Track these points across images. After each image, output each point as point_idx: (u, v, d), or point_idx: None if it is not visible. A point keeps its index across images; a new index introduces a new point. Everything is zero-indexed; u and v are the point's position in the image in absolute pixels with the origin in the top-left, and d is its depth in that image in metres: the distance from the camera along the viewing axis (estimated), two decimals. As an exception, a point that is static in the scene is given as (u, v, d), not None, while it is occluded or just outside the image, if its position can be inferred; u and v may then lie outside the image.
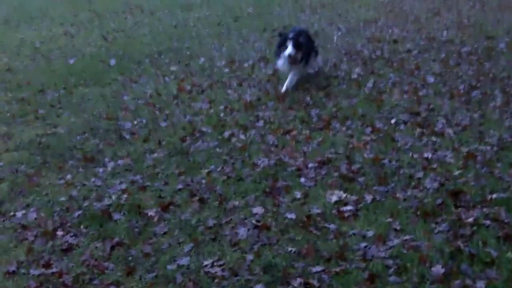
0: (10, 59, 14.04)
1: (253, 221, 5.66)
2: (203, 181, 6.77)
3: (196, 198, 6.32)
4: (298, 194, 6.10)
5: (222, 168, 6.99)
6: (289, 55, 9.03)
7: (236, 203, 6.10)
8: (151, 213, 6.04)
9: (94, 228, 5.83)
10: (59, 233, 5.77)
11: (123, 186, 6.72)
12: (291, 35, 9.31)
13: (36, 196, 6.63)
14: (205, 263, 5.03)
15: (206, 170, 7.03)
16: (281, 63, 9.45)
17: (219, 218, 5.85)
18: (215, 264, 5.01)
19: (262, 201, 6.07)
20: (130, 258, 5.24)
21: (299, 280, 4.61)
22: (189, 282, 4.75)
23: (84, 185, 6.84)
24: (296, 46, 9.10)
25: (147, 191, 6.60)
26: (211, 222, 5.75)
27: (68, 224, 5.95)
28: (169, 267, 5.03)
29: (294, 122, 8.20)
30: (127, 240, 5.54)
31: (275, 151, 7.30)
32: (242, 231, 5.51)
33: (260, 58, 11.45)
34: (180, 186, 6.69)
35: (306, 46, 9.39)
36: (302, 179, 6.45)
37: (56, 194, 6.64)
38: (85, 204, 6.33)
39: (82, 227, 5.88)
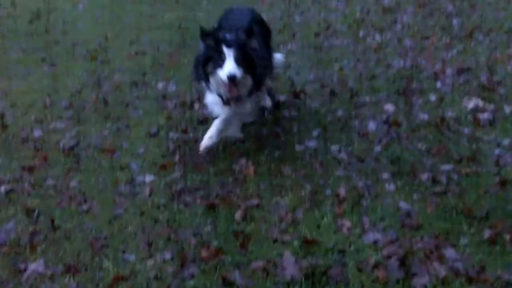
0: None
1: (384, 117, 5.64)
2: (335, 75, 6.81)
3: (327, 90, 6.38)
4: (433, 97, 5.97)
5: (355, 65, 6.95)
6: (230, 78, 4.41)
7: (367, 99, 6.08)
8: (282, 98, 6.19)
9: (227, 107, 6.07)
10: (196, 105, 6.08)
11: (258, 71, 6.87)
12: (231, 37, 4.60)
13: (176, 71, 6.97)
14: (333, 148, 5.12)
15: (338, 66, 7.04)
16: (212, 98, 4.93)
17: (349, 110, 5.88)
18: (342, 150, 5.09)
19: (394, 100, 6.01)
20: (261, 135, 5.45)
21: (427, 174, 4.59)
22: (316, 163, 4.88)
23: (220, 66, 7.07)
24: (243, 60, 4.52)
25: (279, 79, 6.72)
26: (340, 113, 5.80)
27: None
28: (297, 147, 5.18)
29: (434, 29, 7.95)
30: (258, 120, 5.73)
31: (412, 54, 7.14)
32: (372, 125, 5.51)
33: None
34: (311, 77, 6.78)
35: (263, 57, 4.89)
36: (439, 84, 6.29)
37: (193, 73, 6.94)
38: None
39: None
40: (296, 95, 6.27)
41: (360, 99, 6.10)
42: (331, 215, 4.10)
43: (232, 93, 4.55)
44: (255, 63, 4.61)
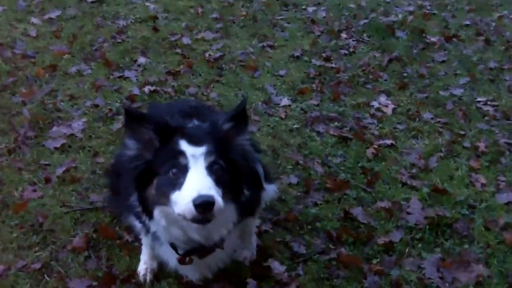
0: None
1: (540, 75, 5.27)
2: (493, 23, 6.44)
3: (482, 37, 6.06)
4: None
5: (517, 15, 6.48)
6: (202, 205, 2.14)
7: (525, 53, 5.70)
8: (433, 39, 5.94)
9: (376, 39, 5.93)
10: (343, 35, 5.99)
11: (411, 8, 6.66)
12: (197, 125, 2.56)
13: (328, -3, 6.85)
14: (479, 99, 4.89)
15: (498, 14, 6.62)
16: (161, 249, 2.71)
17: (502, 62, 5.56)
18: (488, 103, 4.85)
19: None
20: (404, 75, 5.29)
21: None
22: (459, 112, 4.69)
23: (375, -2, 6.89)
24: (224, 172, 2.33)
25: (433, 19, 6.43)
26: (492, 64, 5.50)
27: (353, 29, 6.12)
28: (441, 93, 4.99)
29: None
30: (405, 58, 5.56)
31: None
32: (525, 81, 5.19)
33: None
34: (467, 22, 6.45)
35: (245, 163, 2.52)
36: None
37: (346, 0, 6.79)
38: (372, 15, 6.41)
39: (365, 35, 6.03)
40: (448, 38, 5.99)
41: (517, 52, 5.72)
42: (466, 168, 3.96)
43: (201, 236, 2.40)
44: (243, 178, 2.47)
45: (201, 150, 2.26)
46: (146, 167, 2.34)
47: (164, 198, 2.27)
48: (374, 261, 3.12)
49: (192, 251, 2.49)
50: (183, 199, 2.17)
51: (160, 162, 2.30)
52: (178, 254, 2.51)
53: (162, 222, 2.36)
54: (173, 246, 2.51)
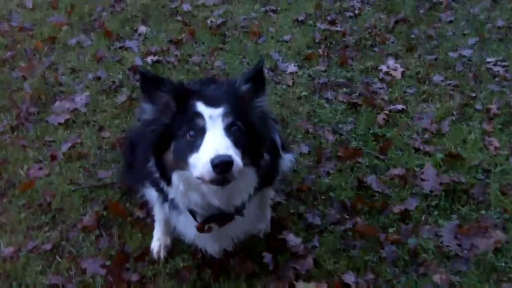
0: None
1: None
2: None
3: (489, -5, 5.92)
4: None
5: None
6: (219, 165, 2.06)
7: (535, 11, 5.56)
8: (440, -2, 5.82)
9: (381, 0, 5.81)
10: (347, -5, 5.87)
11: (415, -35, 6.47)
12: (215, 88, 2.63)
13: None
14: (488, 60, 4.77)
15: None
16: (179, 218, 2.59)
17: (510, 21, 5.43)
18: (498, 63, 4.73)
19: None
20: (412, 36, 5.17)
21: None
22: (469, 73, 4.58)
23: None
24: (242, 133, 2.27)
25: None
26: (501, 23, 5.36)
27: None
28: (450, 54, 4.87)
29: None
30: (411, 19, 5.43)
31: None
32: (536, 39, 5.07)
33: None
34: (474, -20, 6.29)
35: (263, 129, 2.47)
36: None
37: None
38: (376, -26, 6.26)
39: (369, -4, 5.91)
40: (454, -2, 5.86)
41: (526, 8, 5.59)
42: (479, 131, 3.87)
43: (221, 201, 2.34)
44: (262, 142, 2.42)
45: (218, 111, 2.21)
46: (163, 131, 2.28)
47: (182, 162, 2.22)
48: (391, 230, 3.06)
49: (212, 218, 2.41)
50: (201, 160, 2.11)
51: (177, 125, 2.25)
52: (196, 221, 2.43)
53: (181, 187, 2.31)
54: (192, 213, 2.43)
